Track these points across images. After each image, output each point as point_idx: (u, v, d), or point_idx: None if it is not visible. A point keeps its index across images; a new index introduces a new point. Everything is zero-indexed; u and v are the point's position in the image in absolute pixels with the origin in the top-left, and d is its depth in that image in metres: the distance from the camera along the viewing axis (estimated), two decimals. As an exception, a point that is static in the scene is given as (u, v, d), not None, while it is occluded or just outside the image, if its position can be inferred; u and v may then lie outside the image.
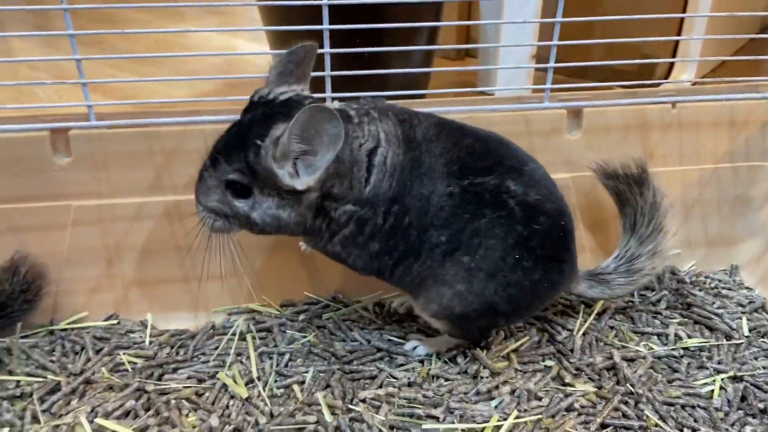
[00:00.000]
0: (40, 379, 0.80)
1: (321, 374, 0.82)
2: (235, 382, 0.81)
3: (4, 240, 0.86)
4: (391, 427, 0.74)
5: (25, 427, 0.73)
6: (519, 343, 0.87)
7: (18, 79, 1.62)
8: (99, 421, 0.74)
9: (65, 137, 0.86)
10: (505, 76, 1.44)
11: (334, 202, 0.73)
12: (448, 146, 0.76)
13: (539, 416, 0.75)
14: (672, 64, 1.51)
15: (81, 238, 0.89)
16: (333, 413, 0.76)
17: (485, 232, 0.75)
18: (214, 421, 0.75)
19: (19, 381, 0.80)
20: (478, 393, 0.79)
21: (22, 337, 0.86)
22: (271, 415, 0.76)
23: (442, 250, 0.76)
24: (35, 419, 0.75)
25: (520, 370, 0.83)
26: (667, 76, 1.54)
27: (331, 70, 0.89)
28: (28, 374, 0.81)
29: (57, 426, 0.73)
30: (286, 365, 0.84)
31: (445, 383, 0.81)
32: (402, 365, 0.84)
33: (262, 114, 0.71)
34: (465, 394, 0.79)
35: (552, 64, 0.95)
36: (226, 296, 0.95)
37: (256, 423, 0.75)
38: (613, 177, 0.90)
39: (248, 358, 0.85)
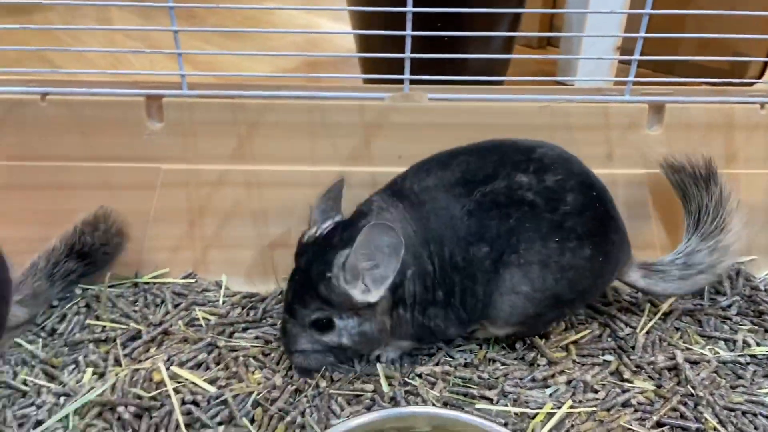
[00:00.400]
0: (123, 326, 0.87)
1: (381, 347, 0.85)
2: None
3: (100, 195, 0.93)
4: (445, 403, 0.76)
5: (108, 369, 0.80)
6: (579, 335, 0.87)
7: (114, 47, 1.72)
8: (174, 368, 0.79)
9: (159, 104, 0.92)
10: (587, 67, 1.42)
11: (399, 289, 0.76)
12: (441, 174, 0.79)
13: (594, 408, 0.75)
14: (766, 64, 1.44)
15: (167, 199, 0.95)
16: (390, 384, 0.79)
17: (518, 228, 0.76)
18: (278, 380, 0.79)
19: (105, 326, 0.87)
20: (533, 380, 0.80)
21: (110, 287, 0.94)
22: (332, 380, 0.79)
23: (490, 261, 0.77)
24: (117, 362, 0.81)
25: (578, 362, 0.83)
26: (760, 76, 1.47)
27: (411, 53, 0.91)
28: (113, 321, 0.88)
29: (137, 370, 0.79)
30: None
31: (501, 367, 0.82)
32: (460, 346, 0.86)
33: (317, 251, 0.76)
34: (520, 379, 0.80)
35: (637, 56, 0.93)
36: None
37: (317, 386, 0.79)
38: (679, 171, 0.89)
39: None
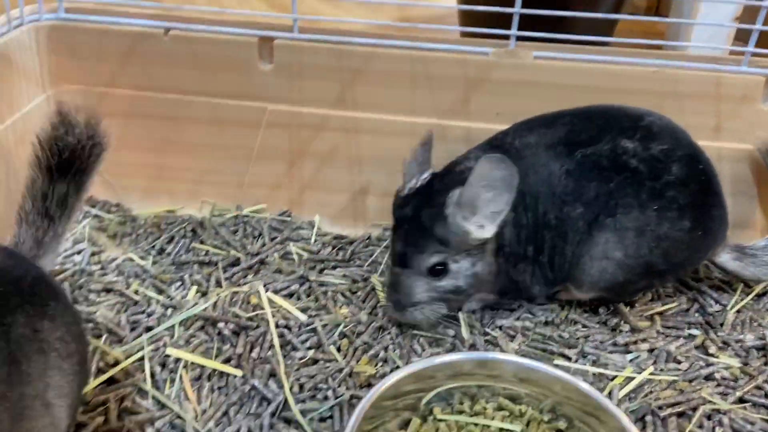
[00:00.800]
0: (224, 253, 0.93)
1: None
2: (382, 287, 0.88)
3: (209, 130, 0.99)
4: (523, 356, 0.78)
5: (210, 289, 0.87)
6: (666, 307, 0.86)
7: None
8: (269, 295, 0.85)
9: (270, 45, 0.95)
10: (702, 35, 1.35)
11: (499, 234, 0.76)
12: (543, 132, 0.79)
13: (675, 378, 0.75)
14: None
15: (270, 138, 0.99)
16: (471, 332, 0.81)
17: (617, 192, 0.76)
18: (363, 316, 0.83)
19: (208, 251, 0.93)
20: (614, 344, 0.80)
21: (213, 216, 1.00)
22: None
23: (584, 221, 0.77)
24: (218, 284, 0.88)
25: (662, 333, 0.82)
26: None
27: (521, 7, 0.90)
28: (215, 246, 0.94)
29: (236, 292, 0.85)
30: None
31: (583, 329, 0.83)
32: (541, 305, 0.87)
33: (423, 198, 0.77)
34: (601, 342, 0.80)
35: (759, 26, 0.89)
36: (385, 212, 1.02)
37: (399, 325, 0.82)
38: None
39: (386, 267, 0.92)
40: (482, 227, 0.74)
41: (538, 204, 0.77)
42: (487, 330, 0.82)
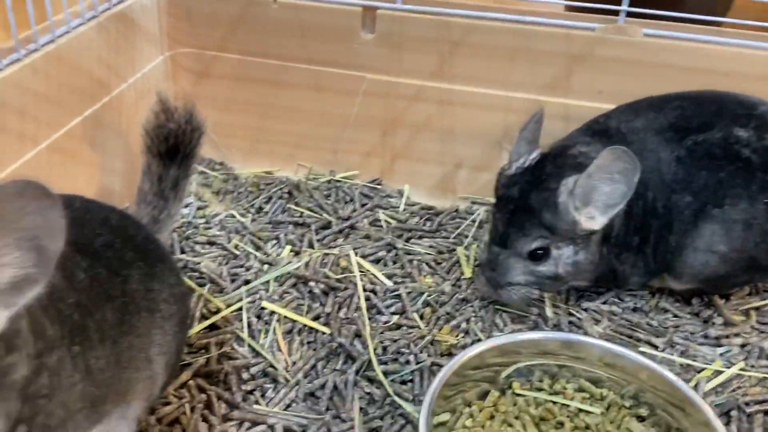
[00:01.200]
0: (317, 215, 0.97)
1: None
2: (467, 260, 0.89)
3: (309, 96, 1.03)
4: (607, 341, 0.77)
5: (303, 249, 0.91)
6: (764, 302, 0.82)
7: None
8: (358, 259, 0.88)
9: (373, 15, 0.97)
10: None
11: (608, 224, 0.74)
12: (652, 117, 0.76)
13: (766, 375, 0.72)
14: None
15: (367, 107, 1.01)
16: (555, 312, 0.81)
17: (727, 183, 0.73)
18: (447, 287, 0.85)
19: (302, 212, 0.98)
20: (705, 336, 0.78)
21: (309, 180, 1.04)
22: (497, 297, 0.84)
23: (691, 211, 0.74)
24: (311, 245, 0.92)
25: (757, 329, 0.79)
26: None
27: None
28: (309, 209, 0.98)
29: (327, 254, 0.89)
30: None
31: (673, 318, 0.81)
32: (631, 290, 0.86)
33: (532, 179, 0.75)
34: (691, 333, 0.79)
35: None
36: (474, 186, 1.02)
37: (482, 299, 0.83)
38: None
39: (482, 244, 0.93)
40: (593, 218, 0.72)
41: (647, 192, 0.75)
42: (572, 311, 0.82)
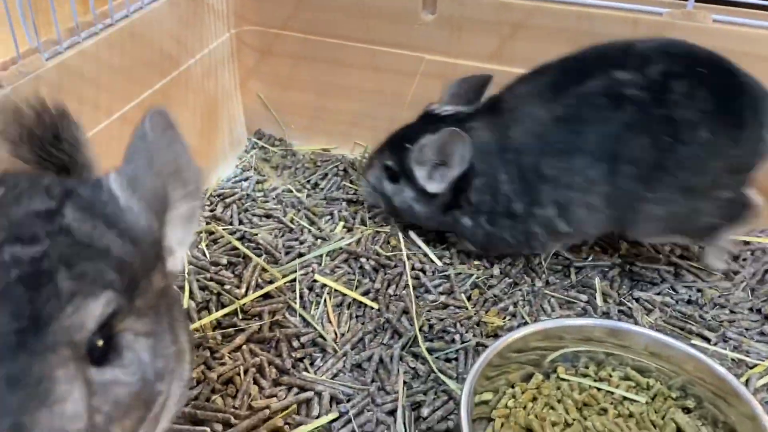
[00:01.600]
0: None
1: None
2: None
3: (367, 76, 1.04)
4: (657, 332, 0.76)
5: (355, 225, 0.93)
6: (828, 303, 0.80)
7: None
8: (412, 235, 0.89)
9: (435, -4, 0.97)
10: None
11: (462, 195, 0.83)
12: (533, 81, 0.81)
13: (827, 378, 0.70)
14: None
15: (424, 87, 1.02)
16: (605, 300, 0.81)
17: (625, 134, 0.73)
18: (495, 270, 0.86)
19: (356, 190, 1.00)
20: (761, 333, 0.76)
21: (364, 158, 1.06)
22: (547, 283, 0.84)
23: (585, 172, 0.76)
24: (363, 222, 0.94)
25: (820, 330, 0.77)
26: None
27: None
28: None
29: (378, 232, 0.91)
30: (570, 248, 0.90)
31: (729, 314, 0.79)
32: (686, 282, 0.84)
33: (422, 123, 0.86)
34: (747, 330, 0.77)
35: None
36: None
37: (533, 283, 0.83)
38: None
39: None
40: (429, 180, 0.83)
41: (522, 157, 0.79)
42: (623, 300, 0.81)
